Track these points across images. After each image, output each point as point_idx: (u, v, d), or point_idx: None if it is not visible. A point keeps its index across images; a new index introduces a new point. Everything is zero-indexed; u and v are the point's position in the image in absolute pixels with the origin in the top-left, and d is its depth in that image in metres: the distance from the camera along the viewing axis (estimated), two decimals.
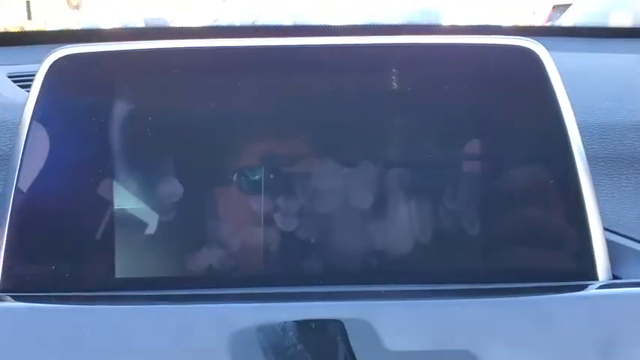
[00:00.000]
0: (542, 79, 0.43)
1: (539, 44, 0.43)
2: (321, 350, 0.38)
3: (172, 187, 0.43)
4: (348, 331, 0.37)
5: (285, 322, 0.38)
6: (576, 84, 0.48)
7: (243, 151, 0.43)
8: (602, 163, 0.53)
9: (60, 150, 0.43)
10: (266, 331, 0.38)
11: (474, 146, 0.43)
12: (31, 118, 0.43)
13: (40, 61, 0.44)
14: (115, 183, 0.43)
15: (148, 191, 0.43)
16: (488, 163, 0.43)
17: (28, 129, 0.43)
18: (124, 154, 0.43)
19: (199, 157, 0.43)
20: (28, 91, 0.66)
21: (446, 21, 5.35)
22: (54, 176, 0.43)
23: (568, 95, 0.43)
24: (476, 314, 0.39)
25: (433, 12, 5.49)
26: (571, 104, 0.43)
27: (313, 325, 0.38)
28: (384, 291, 0.40)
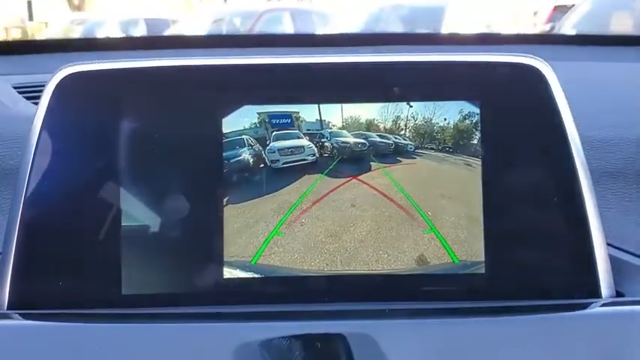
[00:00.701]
0: (546, 97, 0.43)
1: (542, 61, 0.44)
2: None
3: (179, 204, 0.43)
4: (351, 350, 0.38)
5: (290, 341, 0.38)
6: (581, 96, 0.49)
7: (250, 167, 0.44)
8: (605, 179, 0.53)
9: (67, 167, 0.43)
10: (272, 350, 0.38)
11: (476, 163, 0.43)
12: (39, 135, 0.43)
13: (45, 71, 0.44)
14: (122, 199, 0.43)
15: (155, 208, 0.43)
16: (491, 181, 0.43)
17: (36, 147, 0.43)
18: (130, 170, 0.43)
19: (206, 173, 0.43)
20: (34, 103, 0.67)
21: (448, 22, 5.34)
22: (61, 193, 0.43)
23: (572, 109, 0.43)
24: (479, 332, 0.39)
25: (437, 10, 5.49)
26: (575, 118, 0.43)
27: (318, 344, 0.38)
28: (389, 310, 0.40)
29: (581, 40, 0.91)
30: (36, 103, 0.44)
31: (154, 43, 0.94)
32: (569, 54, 0.84)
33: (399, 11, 5.55)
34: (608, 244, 0.44)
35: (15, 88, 0.72)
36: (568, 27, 3.74)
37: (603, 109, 0.61)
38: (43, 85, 0.44)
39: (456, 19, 5.47)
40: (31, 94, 0.69)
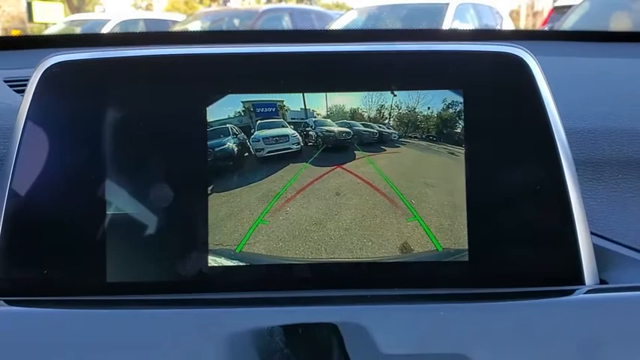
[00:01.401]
0: (530, 86, 0.43)
1: (526, 50, 0.44)
2: (311, 355, 0.39)
3: (164, 192, 0.43)
4: (334, 335, 0.38)
5: (274, 327, 0.38)
6: (568, 89, 0.49)
7: (235, 156, 0.44)
8: (591, 169, 0.53)
9: (53, 155, 0.43)
10: (256, 335, 0.38)
11: (460, 151, 0.43)
12: (24, 124, 0.43)
13: (33, 71, 0.44)
14: (107, 188, 0.43)
15: (140, 196, 0.43)
16: (474, 169, 0.43)
17: (21, 134, 0.43)
18: (115, 159, 0.43)
19: (191, 162, 0.43)
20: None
21: (447, 24, 5.36)
22: (46, 181, 0.43)
23: (558, 101, 0.43)
24: (463, 319, 0.39)
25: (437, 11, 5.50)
26: (561, 109, 0.43)
27: (301, 330, 0.39)
28: (371, 295, 0.40)
29: (572, 36, 0.91)
30: None
31: (147, 38, 0.94)
32: (559, 49, 0.84)
33: (398, 11, 5.56)
34: (593, 233, 0.44)
35: (6, 82, 0.72)
36: (567, 28, 3.75)
37: (591, 101, 0.61)
38: None
39: (455, 21, 5.48)
40: (22, 87, 0.69)
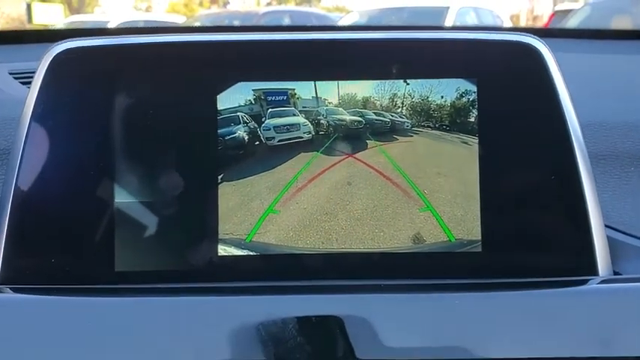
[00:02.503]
0: (544, 75, 0.43)
1: (539, 39, 0.43)
2: (322, 344, 0.38)
3: (174, 181, 0.43)
4: (347, 323, 0.38)
5: (285, 314, 0.38)
6: (579, 84, 0.48)
7: (245, 145, 0.43)
8: (603, 162, 0.53)
9: (60, 144, 0.43)
10: (267, 323, 0.38)
11: (473, 141, 0.43)
12: (32, 113, 0.43)
13: (41, 58, 0.44)
14: (116, 176, 0.43)
15: (149, 185, 0.43)
16: (487, 159, 0.43)
17: (29, 123, 0.43)
18: (124, 147, 0.43)
19: (201, 150, 0.43)
20: (29, 88, 0.67)
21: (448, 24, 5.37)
22: (54, 170, 0.43)
23: (571, 95, 0.43)
24: (476, 309, 0.39)
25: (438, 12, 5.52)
26: (574, 103, 0.43)
27: (312, 319, 0.38)
28: (384, 285, 0.40)
29: (579, 34, 0.91)
30: None
31: (153, 33, 0.93)
32: (569, 46, 0.84)
33: (399, 14, 5.58)
34: (606, 225, 0.44)
35: (11, 74, 0.72)
36: None
37: (600, 94, 0.61)
38: None
39: (456, 24, 5.49)
40: (27, 79, 0.69)
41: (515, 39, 0.44)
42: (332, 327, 0.38)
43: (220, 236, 0.43)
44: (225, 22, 6.97)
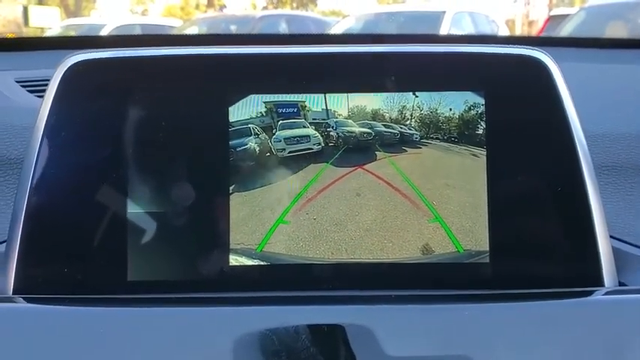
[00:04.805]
0: (551, 89, 0.43)
1: (546, 53, 0.44)
2: (332, 354, 0.39)
3: (186, 191, 0.43)
4: (357, 334, 0.38)
5: (293, 326, 0.38)
6: (582, 94, 0.49)
7: (256, 156, 0.44)
8: (607, 172, 0.54)
9: (74, 154, 0.43)
10: (278, 333, 0.38)
11: (481, 153, 0.44)
12: (45, 124, 0.43)
13: (47, 66, 0.44)
14: (129, 187, 0.43)
15: (161, 196, 0.43)
16: (495, 171, 0.43)
17: (42, 134, 0.43)
18: (137, 158, 0.43)
19: (213, 161, 0.44)
20: (36, 96, 0.67)
21: (444, 29, 5.39)
22: (67, 180, 0.43)
23: (575, 105, 0.44)
24: (483, 319, 0.39)
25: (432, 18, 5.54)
26: (578, 114, 0.44)
27: (322, 329, 0.39)
28: (395, 295, 0.40)
29: (579, 43, 0.92)
30: (39, 97, 0.44)
31: (157, 41, 0.94)
32: (571, 55, 0.85)
33: (394, 18, 5.59)
34: (611, 236, 0.44)
35: (17, 82, 0.72)
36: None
37: (604, 106, 0.61)
38: (46, 79, 0.44)
39: (451, 29, 5.51)
40: (34, 87, 0.69)
41: (523, 53, 0.44)
42: (342, 337, 0.38)
43: (231, 246, 0.43)
44: (222, 26, 6.97)
